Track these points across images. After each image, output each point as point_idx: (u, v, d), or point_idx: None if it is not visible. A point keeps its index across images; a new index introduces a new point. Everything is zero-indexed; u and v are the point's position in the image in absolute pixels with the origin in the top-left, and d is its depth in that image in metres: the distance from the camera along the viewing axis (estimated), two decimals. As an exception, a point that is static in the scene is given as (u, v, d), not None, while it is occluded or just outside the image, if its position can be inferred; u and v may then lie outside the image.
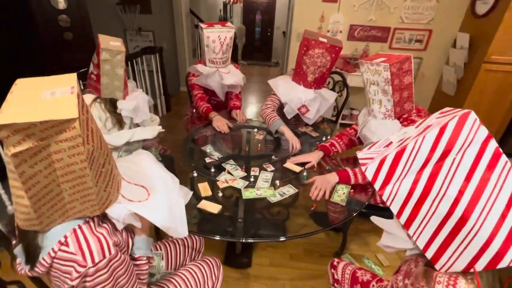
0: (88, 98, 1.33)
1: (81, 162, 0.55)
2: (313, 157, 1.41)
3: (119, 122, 1.47)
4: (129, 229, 0.76)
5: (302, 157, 1.42)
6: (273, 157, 1.49)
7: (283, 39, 4.24)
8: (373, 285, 0.99)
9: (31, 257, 0.61)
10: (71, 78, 0.58)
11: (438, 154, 0.54)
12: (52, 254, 0.59)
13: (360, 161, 0.64)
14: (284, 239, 1.07)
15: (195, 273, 1.00)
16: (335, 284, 1.10)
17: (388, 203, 0.59)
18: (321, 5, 3.08)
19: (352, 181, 1.24)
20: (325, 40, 1.62)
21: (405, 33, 3.12)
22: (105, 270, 0.61)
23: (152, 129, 1.58)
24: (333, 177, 1.22)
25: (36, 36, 2.31)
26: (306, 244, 1.80)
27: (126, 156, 0.88)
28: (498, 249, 0.51)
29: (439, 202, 0.54)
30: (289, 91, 1.77)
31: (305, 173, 1.34)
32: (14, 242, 0.66)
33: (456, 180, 0.52)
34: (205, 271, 1.02)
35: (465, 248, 0.53)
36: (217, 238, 1.00)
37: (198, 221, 1.08)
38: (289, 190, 1.20)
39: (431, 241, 0.57)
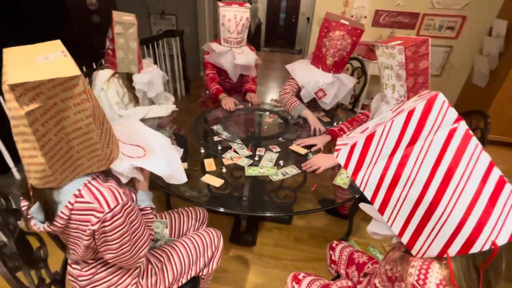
0: (107, 73, 1.40)
1: (86, 118, 0.60)
2: (320, 140, 1.40)
3: (136, 98, 1.54)
4: (130, 186, 0.82)
5: (308, 140, 1.42)
6: (280, 138, 1.50)
7: (308, 25, 4.12)
8: (368, 267, 0.99)
9: (50, 212, 0.66)
10: (57, 44, 0.62)
11: (408, 139, 0.53)
12: (70, 207, 0.64)
13: (336, 147, 0.63)
14: (282, 214, 1.09)
15: (196, 241, 1.05)
16: (332, 265, 1.12)
17: (361, 189, 0.59)
18: (346, -11, 2.96)
19: None
20: (346, 22, 1.58)
21: (435, 19, 2.93)
22: (120, 215, 0.67)
23: (166, 107, 1.65)
24: (335, 158, 1.21)
25: (65, 18, 2.44)
26: (312, 228, 1.82)
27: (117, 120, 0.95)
28: (469, 234, 0.50)
29: (410, 187, 0.53)
30: (307, 74, 1.75)
31: (310, 155, 1.34)
32: (25, 206, 0.68)
33: (426, 164, 0.52)
34: (206, 241, 1.07)
35: (437, 233, 0.53)
36: (221, 209, 1.07)
37: (208, 198, 1.13)
38: (292, 170, 1.22)
39: (406, 226, 0.57)
